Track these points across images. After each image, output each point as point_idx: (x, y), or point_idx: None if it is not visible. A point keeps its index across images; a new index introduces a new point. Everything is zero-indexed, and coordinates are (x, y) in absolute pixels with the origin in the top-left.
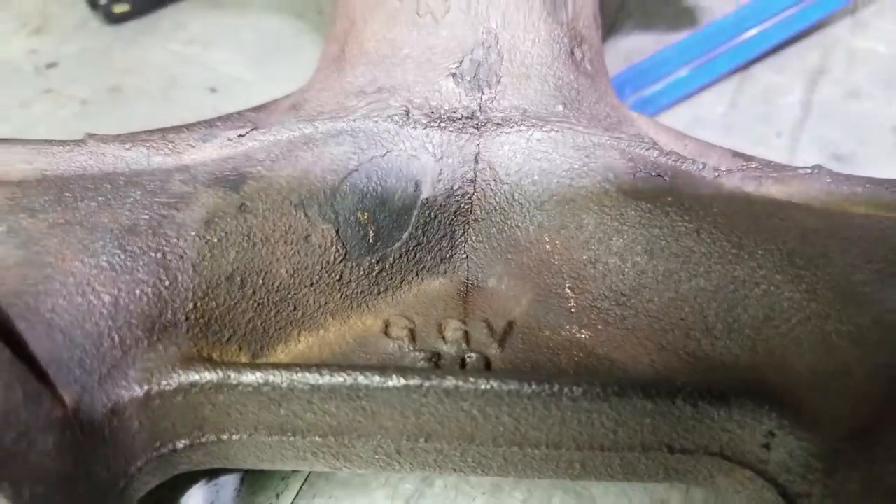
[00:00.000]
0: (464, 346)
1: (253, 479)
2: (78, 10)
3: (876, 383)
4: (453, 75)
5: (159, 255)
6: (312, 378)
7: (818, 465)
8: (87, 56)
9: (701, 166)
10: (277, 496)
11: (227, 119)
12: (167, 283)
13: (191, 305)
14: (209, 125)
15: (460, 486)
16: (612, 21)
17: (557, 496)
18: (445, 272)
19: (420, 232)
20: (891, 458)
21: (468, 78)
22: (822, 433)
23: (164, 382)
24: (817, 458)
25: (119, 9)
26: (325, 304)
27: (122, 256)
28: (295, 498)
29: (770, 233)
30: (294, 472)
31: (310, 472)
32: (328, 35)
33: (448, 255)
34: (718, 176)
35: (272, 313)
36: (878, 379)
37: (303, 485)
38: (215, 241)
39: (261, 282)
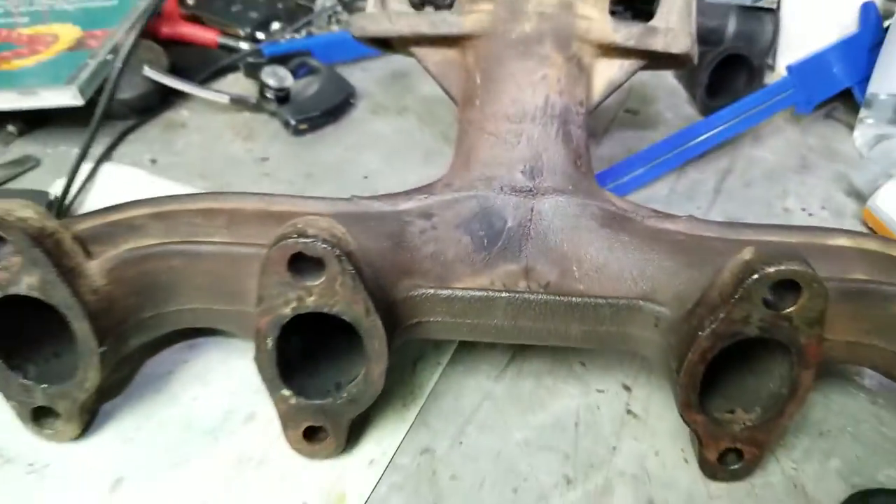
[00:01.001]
0: (527, 289)
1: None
2: (271, 126)
3: (693, 295)
4: (521, 172)
5: (401, 244)
6: (474, 293)
7: (670, 326)
8: (284, 155)
9: (636, 214)
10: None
11: (415, 190)
12: (409, 255)
13: (420, 266)
14: (407, 193)
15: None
16: (598, 139)
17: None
18: (517, 261)
19: (506, 242)
20: (698, 324)
21: (528, 173)
22: (675, 314)
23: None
24: (670, 326)
25: (301, 127)
26: (464, 270)
27: (380, 243)
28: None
29: (664, 242)
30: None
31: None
32: (456, 150)
33: (518, 254)
34: (644, 219)
35: (445, 270)
36: (694, 293)
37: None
38: (424, 231)
39: (441, 258)
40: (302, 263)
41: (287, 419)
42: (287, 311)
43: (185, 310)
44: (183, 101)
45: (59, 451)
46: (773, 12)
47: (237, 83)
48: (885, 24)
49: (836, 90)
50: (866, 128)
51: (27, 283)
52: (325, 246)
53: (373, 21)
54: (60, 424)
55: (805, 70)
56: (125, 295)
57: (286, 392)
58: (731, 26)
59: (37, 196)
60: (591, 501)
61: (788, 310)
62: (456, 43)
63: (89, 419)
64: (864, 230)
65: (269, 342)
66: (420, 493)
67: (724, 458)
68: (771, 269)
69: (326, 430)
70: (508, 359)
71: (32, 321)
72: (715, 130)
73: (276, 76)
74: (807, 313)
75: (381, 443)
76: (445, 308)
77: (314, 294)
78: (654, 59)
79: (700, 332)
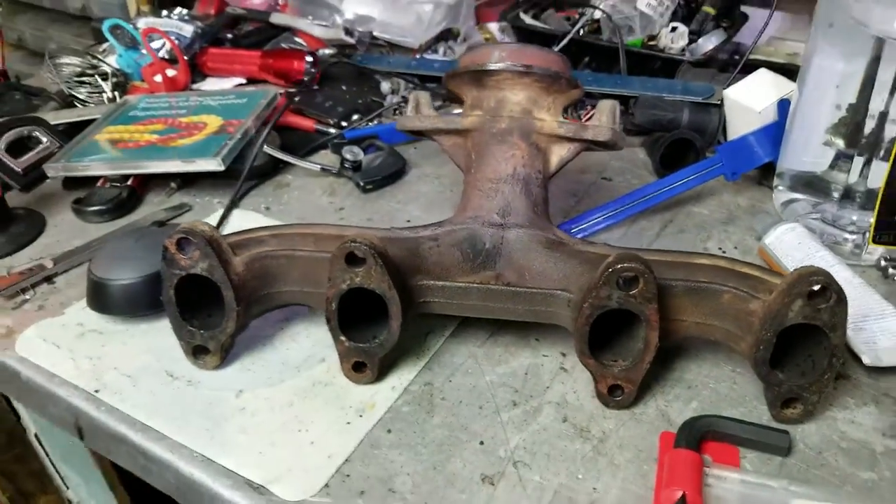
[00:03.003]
0: (496, 284)
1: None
2: (347, 186)
3: (586, 283)
4: (497, 214)
5: (416, 254)
6: (460, 284)
7: (575, 305)
8: (355, 206)
9: (569, 241)
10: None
11: (430, 224)
12: (420, 261)
13: (427, 268)
14: (425, 226)
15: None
16: (580, 197)
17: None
18: (493, 269)
19: (484, 257)
20: (584, 301)
21: (501, 215)
22: (578, 298)
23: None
24: (575, 305)
25: (368, 187)
26: (456, 273)
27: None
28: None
29: (580, 257)
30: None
31: (455, 327)
32: (461, 200)
33: (493, 265)
34: (573, 244)
35: (443, 271)
36: (585, 282)
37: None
38: (431, 248)
39: (441, 264)
40: (354, 257)
41: (343, 356)
42: (344, 287)
43: (285, 291)
44: (288, 169)
45: (207, 374)
46: (719, 107)
47: (326, 157)
48: None
49: (758, 164)
50: (779, 193)
51: (201, 267)
52: (366, 247)
53: (409, 120)
54: (209, 357)
55: (730, 149)
56: (252, 279)
57: (343, 338)
58: (685, 117)
59: None
60: (528, 415)
61: (633, 291)
62: (461, 133)
63: (225, 357)
64: (762, 263)
65: (334, 305)
66: (421, 405)
67: (612, 392)
68: (618, 265)
69: (366, 365)
70: (489, 335)
71: (197, 294)
72: (660, 191)
73: (352, 152)
74: (645, 294)
75: (400, 378)
76: (440, 293)
77: (359, 276)
78: (589, 144)
79: (584, 305)
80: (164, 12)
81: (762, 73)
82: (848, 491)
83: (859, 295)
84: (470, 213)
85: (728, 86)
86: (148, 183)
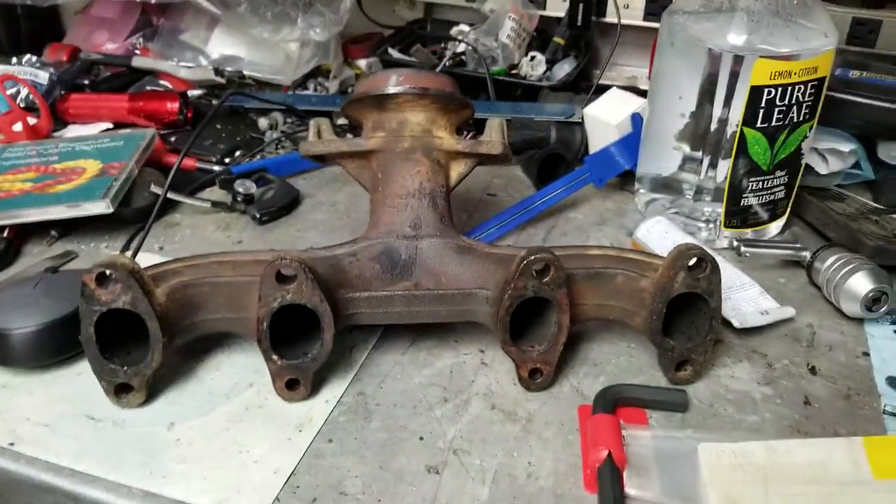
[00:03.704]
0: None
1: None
2: (242, 220)
3: (503, 282)
4: (409, 226)
5: (338, 269)
6: (382, 293)
7: (493, 301)
8: (253, 238)
9: (477, 246)
10: (366, 348)
11: (346, 242)
12: (343, 275)
13: (350, 281)
14: (341, 244)
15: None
16: (471, 212)
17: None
18: (410, 278)
19: (402, 268)
20: (502, 293)
21: (412, 227)
22: (495, 294)
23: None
24: (493, 301)
25: (264, 219)
26: (377, 284)
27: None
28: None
29: (490, 258)
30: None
31: (377, 338)
32: (370, 218)
33: (410, 274)
34: (481, 248)
35: (365, 283)
36: (500, 278)
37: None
38: (351, 262)
39: (363, 277)
40: (284, 275)
41: (276, 375)
42: (275, 305)
43: (208, 319)
44: (176, 208)
45: (132, 413)
46: (580, 124)
47: (214, 194)
48: None
49: (619, 171)
50: (641, 195)
51: (123, 301)
52: (296, 263)
53: (313, 145)
54: (133, 395)
55: (596, 160)
56: (175, 309)
57: (275, 357)
58: (553, 135)
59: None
60: (459, 408)
61: (546, 279)
62: (365, 156)
63: (148, 393)
64: None
65: (265, 324)
66: (358, 412)
67: (532, 375)
68: (532, 257)
69: (300, 382)
70: (410, 343)
71: (111, 332)
72: (542, 200)
73: (244, 185)
74: (556, 280)
75: (332, 391)
76: (366, 304)
77: (290, 293)
78: (483, 158)
79: (504, 297)
80: (14, 59)
81: (615, 92)
82: (740, 433)
83: (723, 270)
84: (383, 229)
85: (586, 105)
86: (26, 233)
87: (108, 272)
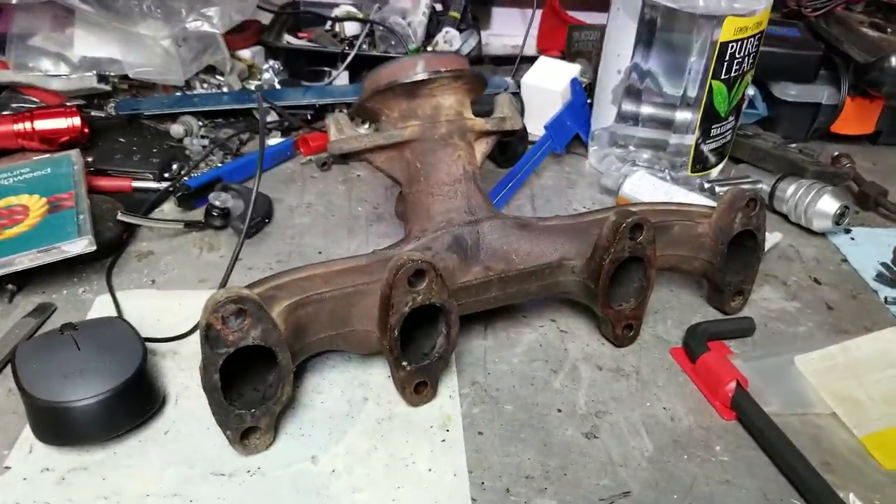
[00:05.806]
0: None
1: None
2: (223, 236)
3: (583, 249)
4: (465, 212)
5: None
6: (466, 284)
7: (581, 269)
8: (250, 253)
9: (529, 221)
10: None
11: (401, 241)
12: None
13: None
14: (398, 243)
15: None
16: None
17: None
18: (478, 264)
19: (469, 252)
20: (600, 259)
21: (468, 212)
22: (580, 262)
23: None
24: (581, 269)
25: (252, 232)
26: (459, 275)
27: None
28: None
29: (551, 230)
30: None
31: None
32: (412, 211)
33: (476, 259)
34: (535, 222)
35: (449, 277)
36: (583, 247)
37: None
38: (433, 255)
39: (447, 270)
40: (417, 275)
41: (404, 381)
42: (406, 310)
43: (315, 340)
44: (136, 236)
45: (260, 458)
46: (518, 96)
47: (171, 212)
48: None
49: (572, 135)
50: (594, 152)
51: (252, 336)
52: (426, 262)
53: (346, 142)
54: (260, 438)
55: (554, 125)
56: (290, 334)
57: (405, 363)
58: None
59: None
60: (571, 376)
61: (639, 239)
62: (397, 146)
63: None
64: None
65: (396, 332)
66: (486, 402)
67: (625, 330)
68: (630, 220)
69: (427, 384)
70: (484, 326)
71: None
72: (520, 174)
73: (219, 199)
74: (647, 240)
75: (447, 386)
76: (465, 295)
77: (421, 294)
78: (504, 135)
79: (603, 263)
80: None
81: (544, 60)
82: (801, 342)
83: None
84: (439, 218)
85: (515, 75)
86: None
87: (239, 306)
